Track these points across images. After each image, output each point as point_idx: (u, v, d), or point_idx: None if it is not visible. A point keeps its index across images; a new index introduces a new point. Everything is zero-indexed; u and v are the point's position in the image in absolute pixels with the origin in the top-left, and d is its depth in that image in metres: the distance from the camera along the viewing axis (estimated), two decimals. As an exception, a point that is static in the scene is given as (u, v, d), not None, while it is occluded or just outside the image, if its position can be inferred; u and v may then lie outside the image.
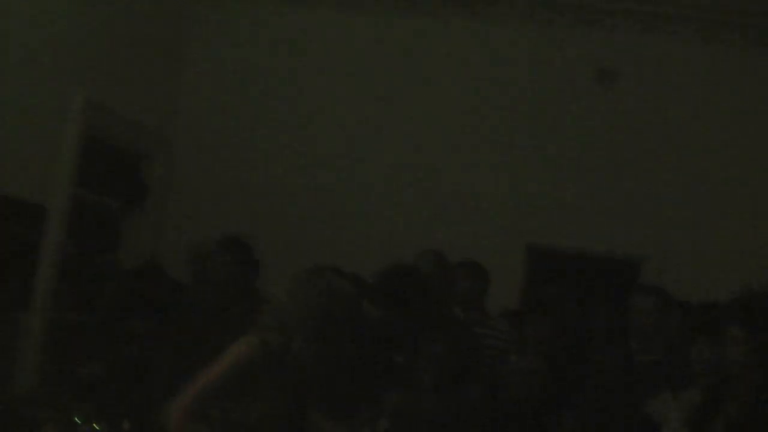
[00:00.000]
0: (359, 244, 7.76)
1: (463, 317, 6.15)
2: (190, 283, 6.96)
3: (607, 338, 6.23)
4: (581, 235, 7.86)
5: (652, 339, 5.43)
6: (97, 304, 6.97)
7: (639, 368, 5.37)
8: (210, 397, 3.90)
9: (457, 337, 5.28)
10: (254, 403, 3.99)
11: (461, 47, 8.29)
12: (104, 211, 7.58)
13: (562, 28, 8.15)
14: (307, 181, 8.22)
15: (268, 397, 4.01)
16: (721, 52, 7.92)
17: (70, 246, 6.84)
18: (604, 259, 7.90)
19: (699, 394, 4.68)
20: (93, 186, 7.22)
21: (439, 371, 4.92)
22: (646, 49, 8.03)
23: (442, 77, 8.27)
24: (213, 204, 8.07)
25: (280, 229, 7.89)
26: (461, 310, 6.22)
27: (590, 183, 7.97)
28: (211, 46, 8.58)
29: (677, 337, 5.25)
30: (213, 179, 8.24)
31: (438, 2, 8.33)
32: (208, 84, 8.50)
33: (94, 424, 5.50)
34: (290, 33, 8.51)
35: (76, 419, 5.51)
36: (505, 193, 8.04)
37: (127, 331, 6.53)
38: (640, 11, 7.99)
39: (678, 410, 4.82)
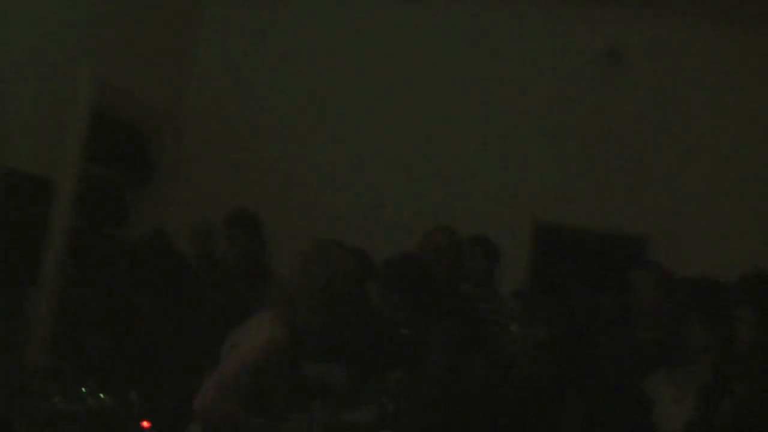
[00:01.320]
0: (368, 221, 7.78)
1: (471, 294, 6.16)
2: (193, 260, 6.98)
3: (613, 316, 6.23)
4: (588, 213, 7.86)
5: (652, 316, 5.43)
6: (103, 278, 6.99)
7: (640, 346, 5.38)
8: (245, 379, 3.89)
9: (464, 314, 5.30)
10: (279, 380, 3.98)
11: (469, 27, 8.28)
12: (112, 186, 7.58)
13: (570, 8, 8.12)
14: (315, 159, 8.24)
15: (289, 374, 4.02)
16: (729, 32, 7.90)
17: (78, 221, 6.85)
18: (611, 236, 7.91)
19: (695, 372, 4.69)
20: (101, 162, 7.23)
21: (445, 348, 4.92)
22: (654, 29, 8.01)
23: (451, 57, 8.27)
24: (221, 182, 8.08)
25: (288, 207, 7.91)
26: (471, 286, 6.22)
27: (597, 161, 7.98)
28: (220, 25, 8.58)
29: (678, 314, 5.24)
30: (221, 157, 8.24)
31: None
32: (217, 62, 8.50)
33: (101, 395, 5.54)
34: (302, 16, 8.51)
35: (83, 390, 5.55)
36: (513, 170, 8.05)
37: (133, 306, 6.55)
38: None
39: (673, 387, 4.83)
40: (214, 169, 8.21)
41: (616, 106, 8.03)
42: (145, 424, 5.33)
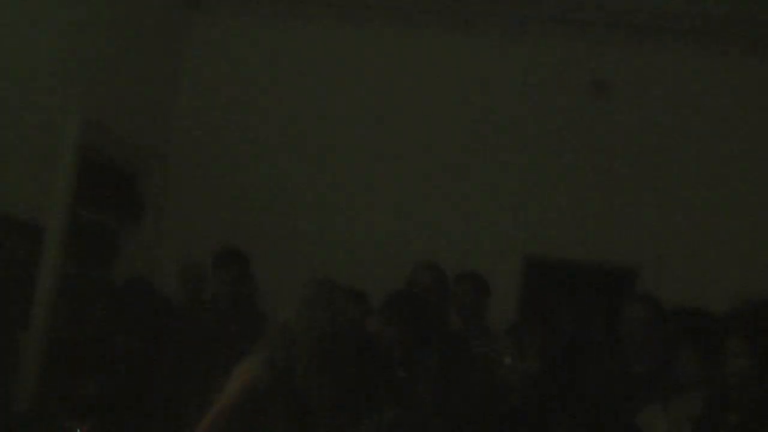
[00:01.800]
0: (356, 256, 7.78)
1: (462, 329, 6.16)
2: (182, 301, 6.98)
3: (602, 348, 6.23)
4: (577, 245, 7.88)
5: (644, 349, 5.43)
6: (92, 321, 6.97)
7: (631, 379, 5.37)
8: (229, 421, 3.88)
9: (453, 350, 5.29)
10: (268, 424, 3.97)
11: (455, 60, 8.32)
12: (102, 228, 7.57)
13: (556, 40, 8.18)
14: (303, 194, 8.23)
15: (277, 420, 4.01)
16: (714, 63, 7.96)
17: (68, 264, 6.84)
18: (601, 268, 7.91)
19: (688, 403, 4.69)
20: (90, 204, 7.22)
21: (433, 384, 4.92)
22: (641, 61, 8.07)
23: (437, 90, 8.30)
24: (210, 219, 8.07)
25: (279, 242, 7.91)
26: (461, 321, 6.23)
27: (586, 193, 7.99)
28: (205, 63, 8.60)
29: (669, 346, 5.24)
30: (209, 195, 8.23)
31: (433, 16, 8.36)
32: (203, 101, 8.51)
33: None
34: (285, 49, 8.54)
35: (74, 434, 5.53)
36: (502, 203, 8.06)
37: (114, 348, 6.54)
38: (634, 23, 8.02)
39: (666, 420, 4.83)
40: (203, 206, 8.21)
41: (603, 138, 8.06)
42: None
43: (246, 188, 8.25)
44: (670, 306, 5.60)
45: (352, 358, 4.18)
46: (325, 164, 8.30)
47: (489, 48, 8.30)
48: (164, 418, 5.90)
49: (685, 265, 7.65)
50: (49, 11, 6.50)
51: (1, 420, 5.95)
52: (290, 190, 8.25)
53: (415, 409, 4.89)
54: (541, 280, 7.98)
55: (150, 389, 6.20)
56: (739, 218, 7.71)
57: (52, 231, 6.53)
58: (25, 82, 6.29)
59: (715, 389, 4.47)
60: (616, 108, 8.07)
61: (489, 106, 8.21)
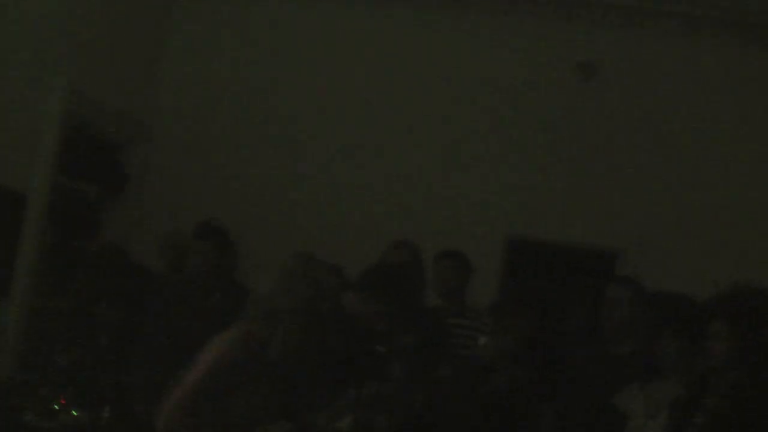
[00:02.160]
0: (338, 233, 7.79)
1: (442, 307, 6.17)
2: (164, 272, 6.97)
3: (584, 331, 6.26)
4: (560, 227, 7.89)
5: (625, 331, 5.45)
6: (72, 291, 6.96)
7: (612, 361, 5.39)
8: (201, 393, 3.88)
9: (428, 327, 5.31)
10: (244, 396, 3.98)
11: (441, 41, 8.29)
12: (84, 198, 7.54)
13: (542, 21, 8.15)
14: (287, 170, 8.22)
15: (255, 390, 4.01)
16: (702, 46, 7.96)
17: (50, 233, 6.82)
18: (583, 250, 7.94)
19: (667, 386, 4.71)
20: (73, 173, 7.19)
21: (408, 362, 4.94)
22: (627, 43, 8.06)
23: (422, 71, 8.26)
24: (193, 192, 8.06)
25: (260, 217, 7.90)
26: (443, 300, 6.24)
27: (569, 175, 8.00)
28: (192, 34, 8.55)
29: (651, 329, 5.26)
30: (193, 167, 8.21)
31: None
32: (189, 72, 8.47)
33: (73, 411, 5.50)
34: (270, 23, 8.49)
35: (54, 406, 5.52)
36: (485, 184, 8.06)
37: (95, 318, 6.52)
38: (620, 5, 8.02)
39: (646, 402, 4.86)
40: (185, 179, 8.19)
41: (589, 120, 8.06)
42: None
43: (229, 161, 8.23)
44: (651, 290, 5.63)
45: (332, 329, 4.19)
46: (310, 141, 8.28)
47: (475, 30, 8.26)
48: (144, 388, 5.89)
49: (666, 249, 7.68)
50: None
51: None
52: (274, 164, 8.23)
53: (391, 384, 4.91)
54: (523, 262, 7.99)
55: (130, 359, 6.19)
56: (722, 203, 7.73)
57: (34, 199, 6.50)
58: (10, 51, 6.26)
59: (694, 373, 4.49)
60: (602, 90, 8.06)
61: (474, 88, 8.19)
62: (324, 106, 8.31)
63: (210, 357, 3.97)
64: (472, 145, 8.12)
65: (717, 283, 4.31)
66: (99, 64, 7.31)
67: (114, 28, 7.54)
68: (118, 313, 6.43)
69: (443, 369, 5.12)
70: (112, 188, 7.83)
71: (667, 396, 4.61)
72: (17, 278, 6.39)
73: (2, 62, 6.19)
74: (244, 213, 7.64)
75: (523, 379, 5.17)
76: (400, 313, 4.95)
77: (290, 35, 8.45)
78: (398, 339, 4.96)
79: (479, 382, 5.25)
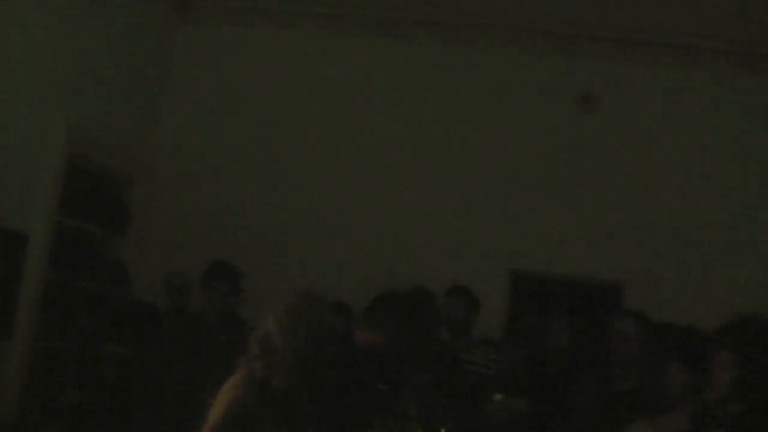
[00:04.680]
0: (343, 270, 7.76)
1: (451, 343, 6.15)
2: (166, 311, 6.96)
3: (589, 364, 6.22)
4: (564, 261, 7.87)
5: (633, 365, 5.42)
6: (75, 331, 6.94)
7: (619, 395, 5.36)
8: None
9: (445, 367, 5.27)
10: None
11: (443, 73, 8.31)
12: (86, 237, 7.52)
13: (544, 55, 8.17)
14: (290, 206, 8.21)
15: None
16: (699, 78, 7.97)
17: (52, 273, 6.80)
18: (587, 283, 7.91)
19: (675, 419, 4.68)
20: (75, 212, 7.18)
21: (423, 402, 4.89)
22: (628, 76, 8.07)
23: (425, 103, 8.29)
24: (195, 230, 8.04)
25: (262, 254, 7.88)
26: (450, 335, 6.23)
27: (573, 208, 7.98)
28: (192, 71, 8.58)
29: (658, 362, 5.23)
30: (195, 205, 8.20)
31: (421, 29, 8.35)
32: (190, 108, 8.49)
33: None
34: (272, 56, 8.53)
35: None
36: (489, 218, 8.04)
37: (104, 356, 6.51)
38: (621, 38, 8.04)
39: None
40: (187, 217, 8.18)
41: (591, 153, 8.05)
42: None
43: (231, 199, 8.23)
44: (657, 322, 5.60)
45: (333, 368, 4.15)
46: (314, 175, 8.28)
47: (477, 62, 8.29)
48: (150, 427, 5.87)
49: (669, 281, 7.64)
50: (37, 17, 6.47)
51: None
52: (277, 201, 8.23)
53: (403, 423, 4.86)
54: (527, 296, 7.96)
55: (134, 398, 6.17)
56: (725, 234, 7.71)
57: (35, 239, 6.48)
58: (11, 88, 6.26)
59: (700, 405, 4.46)
60: (603, 123, 8.07)
61: (477, 120, 8.21)
62: (327, 140, 8.32)
63: (222, 404, 3.93)
64: (475, 179, 8.11)
65: (718, 313, 4.30)
66: (99, 102, 7.32)
67: (114, 66, 7.56)
68: (127, 351, 6.43)
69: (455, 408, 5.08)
70: (114, 227, 7.81)
71: (674, 430, 4.58)
72: (19, 319, 6.36)
73: (3, 99, 6.19)
74: (245, 250, 7.62)
75: (526, 409, 5.15)
76: (412, 344, 4.91)
77: (291, 70, 8.47)
78: (414, 376, 4.92)
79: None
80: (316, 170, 8.28)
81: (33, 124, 6.54)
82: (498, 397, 5.52)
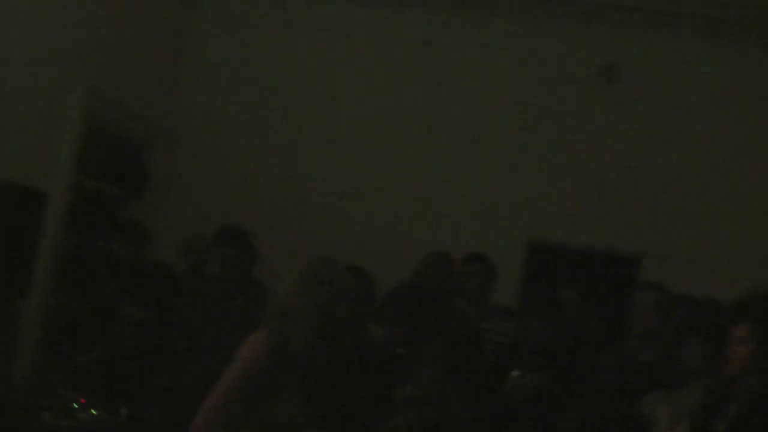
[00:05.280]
0: (361, 238, 7.76)
1: (468, 312, 6.14)
2: (184, 274, 6.97)
3: (607, 336, 6.22)
4: (582, 231, 7.85)
5: (653, 336, 5.41)
6: (94, 291, 6.96)
7: (637, 367, 5.35)
8: (235, 399, 3.86)
9: (464, 338, 5.27)
10: (277, 400, 3.95)
11: (463, 42, 8.27)
12: (105, 199, 7.55)
13: (565, 24, 8.12)
14: (309, 173, 8.20)
15: (287, 394, 3.98)
16: (723, 49, 7.90)
17: (69, 233, 6.83)
18: (605, 255, 7.89)
19: (692, 392, 4.68)
20: (94, 174, 7.19)
21: (440, 368, 4.89)
22: (649, 46, 8.01)
23: (444, 73, 8.26)
24: (213, 193, 8.06)
25: (281, 218, 7.89)
26: (468, 303, 6.21)
27: (591, 179, 7.95)
28: (214, 36, 8.56)
29: (679, 334, 5.22)
30: (213, 169, 8.21)
31: (441, -2, 8.32)
32: (211, 73, 8.49)
33: (92, 410, 5.50)
34: (293, 19, 8.49)
35: (73, 405, 5.52)
36: (507, 188, 8.02)
37: (123, 318, 6.53)
38: (643, 7, 7.97)
39: (670, 409, 4.82)
40: (206, 181, 8.19)
41: (611, 123, 8.01)
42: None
43: (250, 163, 8.23)
44: (675, 294, 5.59)
45: (351, 330, 4.15)
46: (333, 141, 8.27)
47: (498, 32, 8.24)
48: (166, 389, 5.89)
49: (689, 253, 7.62)
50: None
51: (-1, 388, 5.93)
52: (295, 166, 8.23)
53: (423, 387, 4.86)
54: (544, 266, 7.94)
55: (152, 361, 6.19)
56: (744, 207, 7.67)
57: (54, 198, 6.50)
58: (33, 52, 6.27)
59: (716, 379, 4.46)
60: (625, 94, 8.01)
61: (497, 91, 8.16)
62: (348, 107, 8.30)
63: (239, 364, 3.94)
64: (495, 149, 8.09)
65: (737, 286, 4.29)
66: (121, 66, 7.32)
67: (136, 30, 7.55)
68: (146, 314, 6.45)
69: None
70: (132, 189, 7.82)
71: (692, 402, 4.58)
72: (36, 278, 6.39)
73: (26, 63, 6.21)
74: (264, 214, 7.64)
75: (543, 385, 5.15)
76: (426, 336, 4.90)
77: (313, 37, 8.44)
78: (428, 345, 4.91)
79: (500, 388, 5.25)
80: (336, 136, 8.27)
81: (54, 86, 6.55)
82: (515, 373, 5.51)
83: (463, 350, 5.10)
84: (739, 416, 4.08)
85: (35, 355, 6.50)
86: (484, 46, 8.25)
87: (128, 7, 7.42)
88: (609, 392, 5.18)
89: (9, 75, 6.08)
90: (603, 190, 7.92)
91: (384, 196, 8.11)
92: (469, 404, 4.93)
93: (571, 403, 5.12)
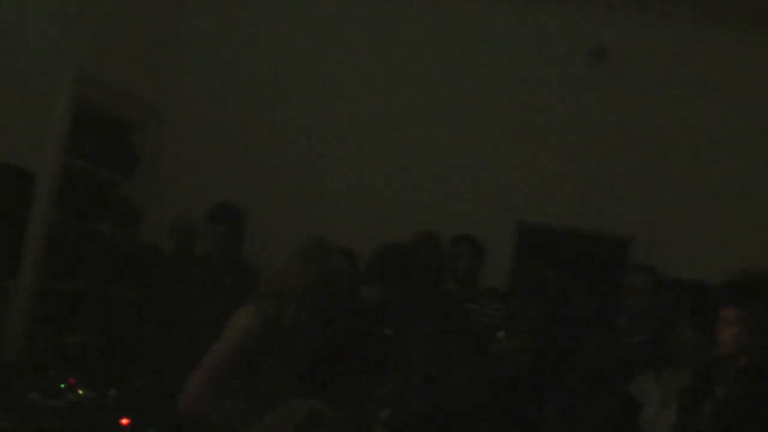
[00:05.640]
0: (350, 218, 7.75)
1: (456, 291, 6.14)
2: (173, 253, 6.96)
3: (596, 318, 6.23)
4: (572, 213, 7.86)
5: (642, 318, 5.42)
6: (83, 272, 6.95)
7: (627, 348, 5.36)
8: (225, 372, 3.89)
9: (447, 315, 5.26)
10: (266, 373, 3.98)
11: (454, 25, 8.26)
12: (94, 179, 7.53)
13: (555, 7, 8.11)
14: (298, 153, 8.19)
15: (276, 367, 4.02)
16: (713, 31, 7.91)
17: (59, 214, 6.80)
18: (594, 236, 7.90)
19: (681, 374, 4.69)
20: (83, 155, 7.17)
21: (427, 351, 4.89)
22: (639, 28, 8.02)
23: (435, 56, 8.25)
24: (202, 174, 8.04)
25: (270, 199, 7.87)
26: (456, 284, 6.21)
27: (581, 161, 7.97)
28: (204, 17, 8.52)
29: (668, 316, 5.24)
30: (202, 149, 8.19)
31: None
32: (200, 54, 8.45)
33: (80, 391, 5.49)
34: (287, 6, 8.46)
35: (61, 386, 5.51)
36: (497, 169, 8.03)
37: (113, 299, 6.52)
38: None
39: (660, 390, 4.83)
40: (195, 161, 8.17)
41: (601, 106, 8.02)
42: (125, 421, 5.29)
43: (238, 143, 8.21)
44: (665, 276, 5.60)
45: (342, 309, 4.19)
46: (322, 121, 8.25)
47: (486, 15, 8.23)
48: (155, 369, 5.89)
49: (678, 235, 7.64)
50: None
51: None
52: (283, 146, 8.21)
53: (410, 378, 4.86)
54: (533, 247, 7.96)
55: (141, 341, 6.19)
56: (734, 189, 7.70)
57: (43, 179, 6.48)
58: (22, 33, 6.23)
59: (705, 360, 4.47)
60: (615, 76, 8.03)
61: (487, 74, 8.16)
62: (337, 91, 8.27)
63: (231, 335, 3.97)
64: (484, 131, 8.09)
65: (726, 268, 4.29)
66: (110, 46, 7.28)
67: (125, 10, 7.51)
68: (136, 295, 6.44)
69: (461, 368, 5.07)
70: (122, 170, 7.80)
71: (681, 384, 4.59)
72: (24, 258, 6.38)
73: (15, 44, 6.17)
74: (253, 195, 7.61)
75: (531, 366, 5.15)
76: (411, 293, 4.91)
77: (304, 19, 8.41)
78: (414, 325, 4.92)
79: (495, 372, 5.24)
80: (325, 116, 8.25)
81: (44, 67, 6.51)
82: (501, 334, 5.48)
83: (450, 332, 5.09)
84: (727, 398, 4.08)
85: (24, 335, 6.48)
86: (474, 29, 8.24)
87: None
88: (598, 373, 5.18)
89: (-3, 56, 6.05)
90: (593, 172, 7.95)
91: (374, 177, 8.11)
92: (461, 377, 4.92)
93: (557, 383, 5.11)
